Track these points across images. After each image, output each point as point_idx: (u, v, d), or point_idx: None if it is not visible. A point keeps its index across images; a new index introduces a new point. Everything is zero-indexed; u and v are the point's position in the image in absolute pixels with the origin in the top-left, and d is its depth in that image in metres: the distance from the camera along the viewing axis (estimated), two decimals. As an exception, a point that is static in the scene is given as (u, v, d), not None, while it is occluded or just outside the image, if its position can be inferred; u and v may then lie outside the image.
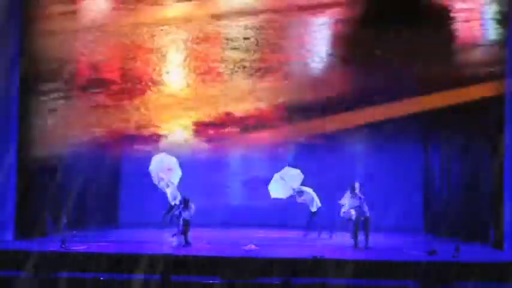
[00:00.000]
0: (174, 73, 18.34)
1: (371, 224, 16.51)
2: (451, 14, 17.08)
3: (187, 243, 16.43)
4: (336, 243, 17.18)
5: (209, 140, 19.23)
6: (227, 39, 17.99)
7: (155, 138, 19.11)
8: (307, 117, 18.64)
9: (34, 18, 17.06)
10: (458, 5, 17.11)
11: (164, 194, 19.29)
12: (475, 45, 17.21)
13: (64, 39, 17.46)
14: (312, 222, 18.69)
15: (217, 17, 17.75)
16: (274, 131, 18.85)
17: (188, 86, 18.30)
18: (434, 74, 16.88)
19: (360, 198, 16.54)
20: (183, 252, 15.37)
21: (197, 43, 18.00)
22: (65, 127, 17.70)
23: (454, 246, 15.24)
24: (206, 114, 18.47)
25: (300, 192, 18.80)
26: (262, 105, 18.24)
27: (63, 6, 17.52)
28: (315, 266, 14.27)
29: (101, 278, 13.17)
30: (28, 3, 17.03)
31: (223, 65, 18.06)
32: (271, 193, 19.20)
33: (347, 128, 18.82)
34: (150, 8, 17.71)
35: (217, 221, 18.54)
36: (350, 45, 17.59)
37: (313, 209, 18.64)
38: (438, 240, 18.00)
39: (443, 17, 17.10)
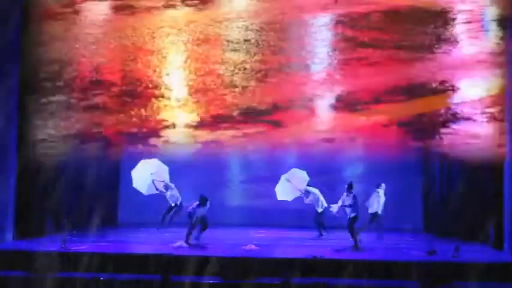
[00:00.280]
0: (174, 75, 18.33)
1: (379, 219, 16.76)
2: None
3: (197, 239, 16.54)
4: (336, 243, 17.16)
5: (209, 140, 19.20)
6: (228, 41, 17.99)
7: (155, 139, 19.07)
8: (307, 117, 18.62)
9: (35, 19, 17.09)
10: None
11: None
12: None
13: (65, 40, 17.49)
14: (319, 222, 18.72)
15: (217, 19, 17.76)
16: (275, 131, 18.82)
17: (189, 87, 18.28)
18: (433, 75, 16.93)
19: (355, 197, 16.58)
20: (183, 252, 15.38)
21: (198, 45, 17.99)
22: (65, 128, 17.69)
23: (454, 246, 15.23)
24: (206, 115, 18.44)
25: (307, 193, 18.85)
26: (263, 105, 18.21)
27: (64, 7, 17.55)
28: (315, 266, 14.26)
29: (101, 278, 13.17)
30: (29, 4, 17.06)
31: (223, 67, 18.04)
32: (278, 195, 19.24)
33: (347, 127, 18.81)
34: (151, 10, 17.73)
35: (217, 221, 18.49)
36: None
37: (320, 209, 18.66)
38: (438, 240, 17.99)
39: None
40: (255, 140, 18.25)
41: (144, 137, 18.53)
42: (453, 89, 17.19)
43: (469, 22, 17.23)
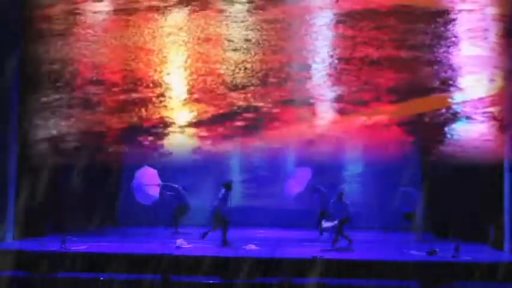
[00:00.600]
0: (175, 74, 18.32)
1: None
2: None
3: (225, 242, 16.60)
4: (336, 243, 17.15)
5: (210, 139, 19.19)
6: (228, 40, 17.98)
7: (156, 138, 19.08)
8: (308, 116, 18.61)
9: (35, 18, 17.09)
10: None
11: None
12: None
13: (65, 40, 17.49)
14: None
15: (218, 18, 17.77)
16: (275, 130, 18.81)
17: (189, 87, 18.28)
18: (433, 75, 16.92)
19: (346, 204, 16.52)
20: (183, 252, 15.38)
21: (198, 44, 17.99)
22: (66, 127, 17.69)
23: (454, 246, 15.22)
24: (207, 114, 18.44)
25: (316, 189, 18.75)
26: (264, 105, 18.20)
27: (65, 6, 17.56)
28: (315, 266, 14.26)
29: (101, 278, 13.18)
30: (29, 4, 17.06)
31: (224, 67, 18.04)
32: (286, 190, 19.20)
33: (348, 127, 18.80)
34: (151, 9, 17.74)
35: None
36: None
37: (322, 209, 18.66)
38: (438, 240, 17.98)
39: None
40: (256, 139, 18.24)
41: (144, 137, 18.54)
42: (453, 88, 17.18)
43: (469, 21, 17.22)
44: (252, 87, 17.96)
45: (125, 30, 17.85)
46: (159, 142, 19.14)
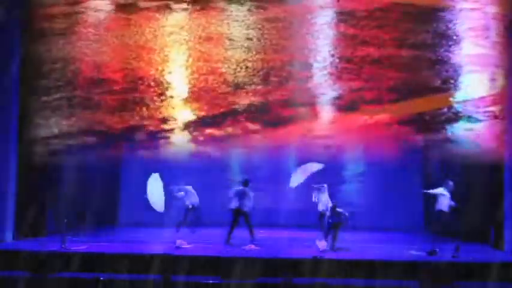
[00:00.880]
0: (176, 73, 18.32)
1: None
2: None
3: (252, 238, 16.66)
4: (336, 244, 17.14)
5: (211, 139, 19.20)
6: (230, 39, 17.98)
7: (157, 138, 19.08)
8: (309, 115, 18.60)
9: (36, 17, 17.11)
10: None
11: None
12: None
13: (67, 39, 17.50)
14: (321, 222, 18.68)
15: (219, 17, 17.77)
16: (277, 129, 18.80)
17: (191, 86, 18.28)
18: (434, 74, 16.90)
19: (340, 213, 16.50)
20: (183, 252, 15.39)
21: (200, 43, 17.99)
22: (66, 127, 17.70)
23: (454, 246, 15.21)
24: (208, 114, 18.44)
25: (319, 189, 18.68)
26: (265, 103, 18.20)
27: (66, 6, 17.56)
28: (315, 266, 14.26)
29: (101, 278, 13.18)
30: (30, 3, 17.07)
31: (225, 65, 18.03)
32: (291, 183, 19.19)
33: (349, 126, 18.80)
34: (153, 8, 17.75)
35: (217, 221, 18.47)
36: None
37: (320, 208, 18.58)
38: (438, 240, 17.95)
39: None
40: (257, 138, 18.24)
41: (145, 136, 18.54)
42: (454, 87, 17.16)
43: (470, 20, 17.20)
44: (253, 86, 17.95)
45: (126, 29, 17.86)
46: (160, 140, 19.16)
